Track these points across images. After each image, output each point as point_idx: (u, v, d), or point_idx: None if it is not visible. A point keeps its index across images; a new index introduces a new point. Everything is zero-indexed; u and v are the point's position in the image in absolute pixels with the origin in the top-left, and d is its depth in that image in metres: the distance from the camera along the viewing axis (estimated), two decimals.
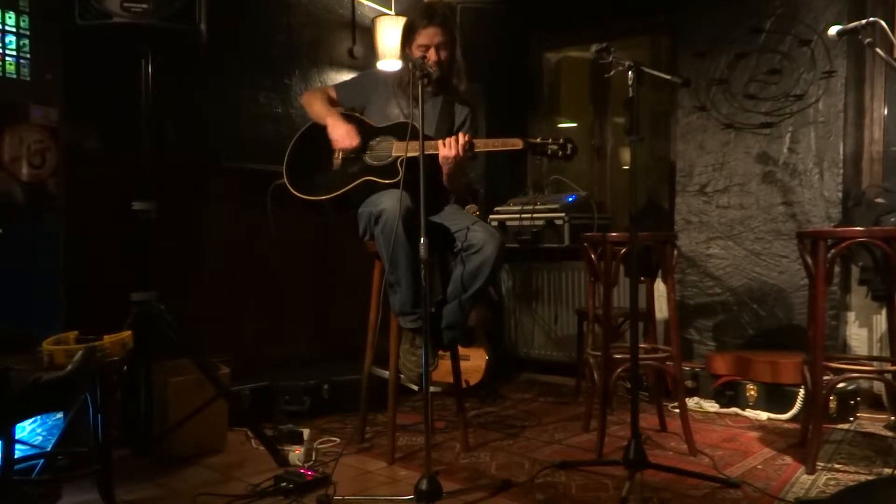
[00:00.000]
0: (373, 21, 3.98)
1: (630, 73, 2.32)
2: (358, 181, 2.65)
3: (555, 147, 2.47)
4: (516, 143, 2.50)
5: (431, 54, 2.65)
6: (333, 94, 2.89)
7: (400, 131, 2.65)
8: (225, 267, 3.43)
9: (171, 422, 2.60)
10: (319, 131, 2.76)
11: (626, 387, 3.56)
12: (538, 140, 2.50)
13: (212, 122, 3.40)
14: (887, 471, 2.48)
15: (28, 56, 2.40)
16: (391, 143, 2.66)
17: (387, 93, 2.81)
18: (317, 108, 2.81)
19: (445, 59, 2.68)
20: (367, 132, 2.71)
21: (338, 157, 2.72)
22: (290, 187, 2.71)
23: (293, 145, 2.80)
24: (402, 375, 2.70)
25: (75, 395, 1.99)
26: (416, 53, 2.67)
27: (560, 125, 4.90)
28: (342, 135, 2.68)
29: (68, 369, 1.87)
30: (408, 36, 2.73)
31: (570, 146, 2.48)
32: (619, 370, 2.69)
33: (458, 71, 2.76)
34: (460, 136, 2.52)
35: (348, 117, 2.75)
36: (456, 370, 2.80)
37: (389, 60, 3.79)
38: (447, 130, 2.71)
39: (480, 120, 4.32)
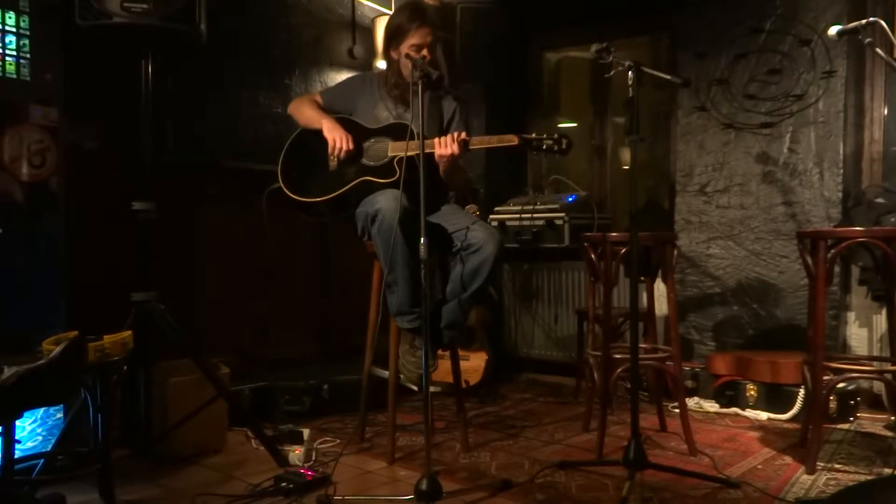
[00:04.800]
0: (373, 21, 3.98)
1: (630, 73, 2.32)
2: (355, 182, 2.64)
3: (549, 142, 2.49)
4: (511, 140, 2.51)
5: (425, 53, 2.64)
6: (319, 100, 2.88)
7: (394, 132, 2.65)
8: (225, 267, 3.43)
9: (171, 422, 2.59)
10: (311, 136, 2.76)
11: (626, 387, 3.55)
12: (533, 136, 2.51)
13: (212, 122, 3.40)
14: (887, 471, 2.48)
15: (28, 56, 2.39)
16: (386, 144, 2.65)
17: (373, 95, 2.81)
18: (308, 113, 2.80)
19: (437, 57, 2.70)
20: (361, 134, 2.71)
21: (333, 159, 2.72)
22: (286, 190, 2.71)
23: (286, 149, 2.79)
24: (401, 376, 2.70)
25: (63, 387, 1.95)
26: (410, 54, 2.67)
27: (560, 125, 4.89)
28: (339, 137, 2.67)
29: (50, 356, 1.82)
30: (396, 37, 2.71)
31: (564, 141, 2.50)
32: (619, 370, 2.69)
33: (444, 66, 2.79)
34: (455, 133, 2.53)
35: (340, 120, 2.74)
36: (456, 370, 2.80)
37: None
38: (437, 126, 2.71)
39: (480, 120, 4.34)
